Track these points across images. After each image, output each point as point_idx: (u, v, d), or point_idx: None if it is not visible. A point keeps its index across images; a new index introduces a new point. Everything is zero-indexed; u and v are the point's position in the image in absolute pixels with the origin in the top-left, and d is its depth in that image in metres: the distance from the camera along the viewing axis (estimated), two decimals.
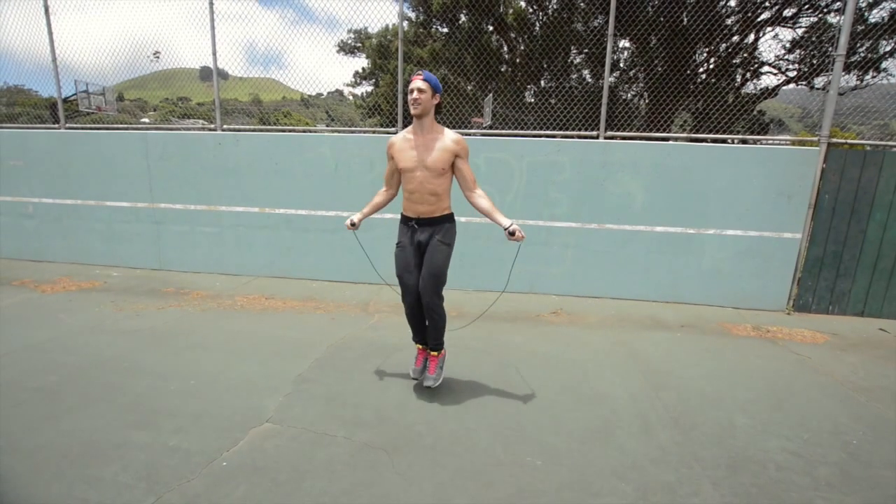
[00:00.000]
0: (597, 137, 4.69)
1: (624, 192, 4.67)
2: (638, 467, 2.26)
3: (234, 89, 6.41)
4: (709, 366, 3.45)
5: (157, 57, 5.28)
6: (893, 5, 9.03)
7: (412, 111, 2.50)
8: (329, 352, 3.50)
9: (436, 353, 2.90)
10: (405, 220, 2.74)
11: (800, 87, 10.95)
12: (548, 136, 4.81)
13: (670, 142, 4.96)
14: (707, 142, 4.79)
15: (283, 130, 5.30)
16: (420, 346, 2.99)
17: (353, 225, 2.86)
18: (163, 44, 5.38)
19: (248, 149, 5.12)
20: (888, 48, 9.22)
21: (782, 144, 4.97)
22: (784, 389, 3.11)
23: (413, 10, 12.98)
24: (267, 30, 5.00)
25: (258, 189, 5.18)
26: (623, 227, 4.73)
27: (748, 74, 11.58)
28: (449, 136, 2.55)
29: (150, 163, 5.26)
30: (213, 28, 4.89)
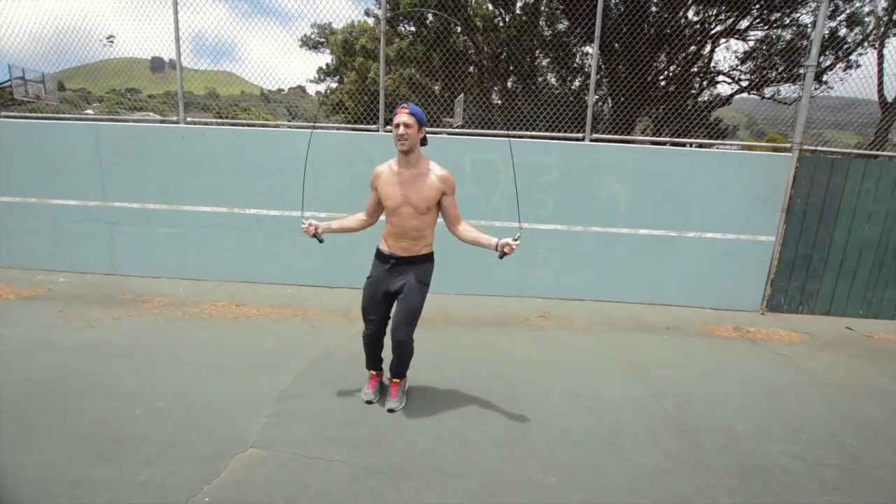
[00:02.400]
0: (582, 139, 4.67)
1: (609, 194, 4.68)
2: (652, 480, 2.20)
3: (189, 82, 5.92)
4: (700, 369, 3.48)
5: (112, 41, 4.79)
6: (832, 24, 9.68)
7: (399, 147, 2.35)
8: (313, 364, 3.25)
9: (398, 381, 2.78)
10: (382, 256, 2.57)
11: (751, 95, 11.58)
12: (534, 137, 4.74)
13: (655, 146, 5.02)
14: (690, 146, 4.88)
15: (254, 125, 4.95)
16: (374, 372, 2.83)
17: (314, 235, 2.57)
18: (108, 31, 4.90)
19: (215, 144, 4.74)
20: (827, 63, 9.86)
21: (735, 149, 5.12)
22: (773, 391, 3.17)
23: (379, 8, 12.67)
24: (221, 20, 4.63)
25: (226, 187, 4.80)
26: (608, 230, 4.73)
27: (705, 83, 12.13)
28: (435, 173, 2.42)
29: (104, 157, 4.76)
30: (176, 13, 4.48)
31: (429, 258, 2.58)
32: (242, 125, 4.98)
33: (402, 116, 2.32)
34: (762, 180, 4.55)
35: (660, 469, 2.28)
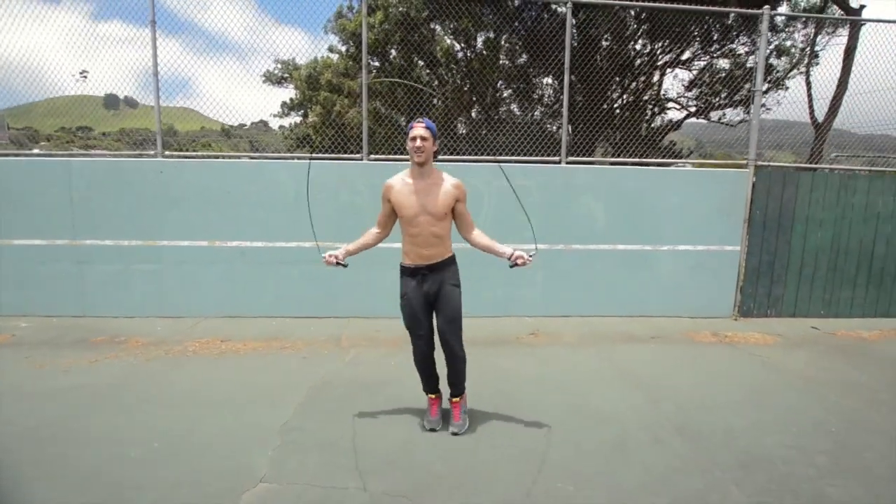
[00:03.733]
0: (559, 163, 4.93)
1: (586, 213, 4.91)
2: (665, 480, 2.26)
3: (143, 119, 5.82)
4: (689, 374, 3.63)
5: (85, 77, 4.70)
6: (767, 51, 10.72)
7: (415, 160, 2.44)
8: (311, 395, 3.17)
9: (458, 399, 2.76)
10: (409, 271, 2.59)
11: (700, 120, 12.54)
12: (513, 161, 4.96)
13: (625, 167, 5.34)
14: (653, 166, 5.22)
15: (234, 157, 4.92)
16: (432, 396, 2.80)
17: (338, 263, 2.63)
18: (56, 68, 4.75)
19: (195, 177, 4.67)
20: (765, 88, 10.86)
21: (693, 167, 5.55)
22: (758, 390, 3.35)
23: (344, 44, 13.07)
24: (175, 56, 4.68)
25: (207, 221, 4.71)
26: (588, 247, 4.94)
27: (656, 109, 13.07)
28: (449, 181, 2.54)
29: (74, 194, 4.58)
30: (154, 47, 4.48)
31: (453, 260, 2.62)
32: (222, 157, 4.94)
33: (419, 130, 2.42)
34: (724, 194, 4.93)
35: (670, 469, 2.35)
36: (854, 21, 7.39)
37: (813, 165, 5.16)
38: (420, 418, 2.81)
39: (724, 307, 5.09)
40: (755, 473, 2.32)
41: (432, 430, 2.69)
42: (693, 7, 4.91)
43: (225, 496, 2.11)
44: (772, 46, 10.80)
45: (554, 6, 10.35)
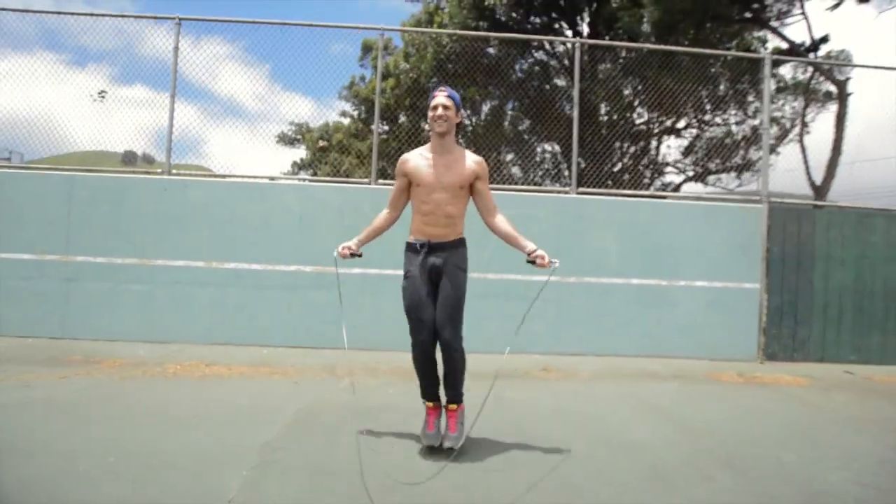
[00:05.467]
0: (569, 193, 4.86)
1: (599, 245, 4.75)
2: None
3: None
4: (723, 409, 3.26)
5: (103, 97, 4.79)
6: (755, 122, 11.16)
7: (437, 129, 2.32)
8: (298, 416, 2.81)
9: (454, 407, 2.42)
10: (414, 247, 2.40)
11: (697, 184, 12.82)
12: (522, 190, 4.90)
13: (637, 198, 5.26)
14: (667, 198, 5.15)
15: (241, 177, 4.87)
16: (431, 404, 2.46)
17: (352, 255, 2.44)
18: (75, 125, 4.92)
19: (199, 196, 4.58)
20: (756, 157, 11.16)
21: (729, 201, 5.45)
22: (804, 427, 2.97)
23: (356, 109, 13.78)
24: (190, 119, 4.91)
25: (205, 240, 4.54)
26: (601, 281, 4.72)
27: (655, 174, 13.43)
28: (470, 157, 2.40)
29: (73, 209, 4.47)
30: (171, 110, 4.58)
31: (463, 243, 2.42)
32: (228, 178, 4.89)
33: (441, 98, 2.29)
34: (739, 230, 4.79)
35: (722, 502, 1.97)
36: (842, 92, 7.68)
37: (826, 203, 5.08)
38: (420, 445, 2.44)
39: (748, 349, 4.75)
40: None
41: (430, 446, 2.31)
42: (698, 50, 5.11)
43: None
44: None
45: (556, 81, 11.01)
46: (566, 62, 10.77)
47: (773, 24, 8.96)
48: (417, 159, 2.38)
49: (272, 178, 5.01)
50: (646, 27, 10.34)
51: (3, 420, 2.51)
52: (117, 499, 1.81)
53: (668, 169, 13.25)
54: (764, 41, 10.33)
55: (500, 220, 2.43)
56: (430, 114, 2.34)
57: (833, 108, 8.37)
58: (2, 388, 3.03)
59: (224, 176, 4.86)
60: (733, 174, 11.01)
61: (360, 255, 2.46)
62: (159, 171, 4.68)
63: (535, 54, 11.58)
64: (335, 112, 13.73)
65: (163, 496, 1.85)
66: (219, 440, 2.40)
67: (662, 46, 5.39)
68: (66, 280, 4.45)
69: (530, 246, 2.34)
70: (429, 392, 2.44)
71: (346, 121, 13.73)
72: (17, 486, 1.86)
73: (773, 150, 11.29)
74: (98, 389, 3.13)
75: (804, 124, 10.32)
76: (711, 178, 12.34)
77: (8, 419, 2.53)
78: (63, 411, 2.69)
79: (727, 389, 3.79)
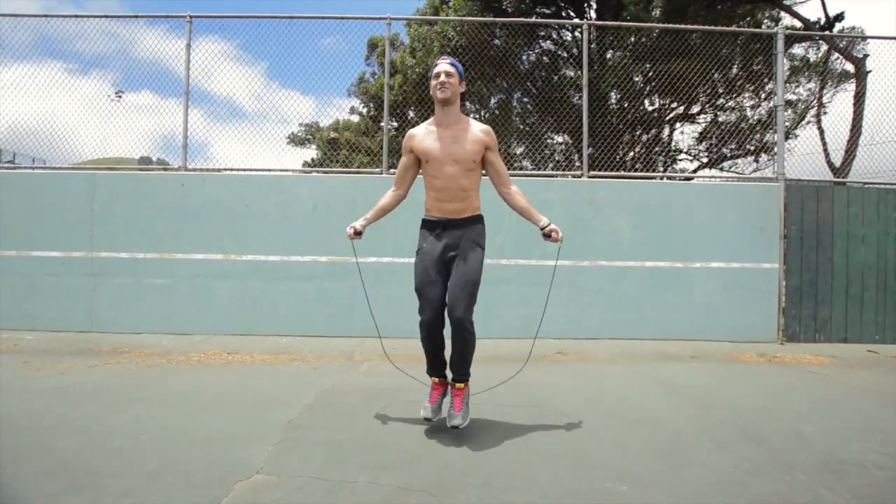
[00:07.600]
0: (580, 177, 4.84)
1: (612, 228, 4.73)
2: (737, 481, 1.89)
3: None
4: (742, 386, 3.24)
5: (120, 96, 4.93)
6: (771, 105, 10.90)
7: (439, 96, 2.27)
8: (320, 399, 2.88)
9: (461, 385, 2.40)
10: (429, 224, 2.40)
11: (712, 171, 12.59)
12: (534, 175, 4.90)
13: (649, 180, 5.21)
14: (679, 180, 5.09)
15: (257, 171, 4.96)
16: (436, 380, 2.49)
17: (356, 234, 2.49)
18: (86, 133, 4.97)
19: (216, 190, 4.69)
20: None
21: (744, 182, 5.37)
22: (825, 401, 2.94)
23: (365, 106, 13.83)
24: (201, 122, 5.01)
25: (223, 233, 4.65)
26: (615, 264, 4.70)
27: (668, 161, 13.22)
28: (477, 127, 2.36)
29: (96, 206, 4.61)
30: (185, 114, 4.69)
31: (480, 219, 2.41)
32: (245, 171, 4.98)
33: (443, 66, 2.26)
34: (755, 209, 4.72)
35: (740, 471, 1.97)
36: (860, 70, 7.44)
37: (844, 180, 4.97)
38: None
39: (767, 330, 4.69)
40: (847, 478, 1.92)
41: (427, 419, 2.33)
42: (708, 28, 5.03)
43: (214, 486, 1.80)
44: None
45: (564, 70, 10.91)
46: (574, 51, 10.67)
47: (786, 2, 8.75)
48: (424, 134, 2.36)
49: (289, 171, 5.06)
50: (655, 13, 10.18)
51: (42, 404, 2.63)
52: (153, 472, 1.90)
53: (682, 156, 13.07)
54: (777, 20, 10.08)
55: (516, 193, 2.43)
56: (432, 83, 2.30)
57: (850, 87, 8.16)
58: (38, 377, 3.17)
59: (239, 169, 4.95)
60: (749, 158, 10.81)
61: (360, 237, 2.50)
62: (177, 166, 4.80)
63: (543, 44, 11.49)
64: (344, 111, 13.83)
65: (194, 468, 1.93)
66: (244, 419, 2.48)
67: (671, 25, 5.30)
68: (91, 276, 4.60)
69: (544, 220, 2.36)
70: (434, 369, 2.47)
71: (356, 118, 13.82)
72: (59, 460, 1.96)
73: (789, 132, 11.05)
74: (127, 376, 3.25)
75: (821, 104, 10.06)
76: (727, 164, 12.15)
77: (46, 404, 2.65)
78: (95, 396, 2.81)
79: (747, 368, 3.76)
